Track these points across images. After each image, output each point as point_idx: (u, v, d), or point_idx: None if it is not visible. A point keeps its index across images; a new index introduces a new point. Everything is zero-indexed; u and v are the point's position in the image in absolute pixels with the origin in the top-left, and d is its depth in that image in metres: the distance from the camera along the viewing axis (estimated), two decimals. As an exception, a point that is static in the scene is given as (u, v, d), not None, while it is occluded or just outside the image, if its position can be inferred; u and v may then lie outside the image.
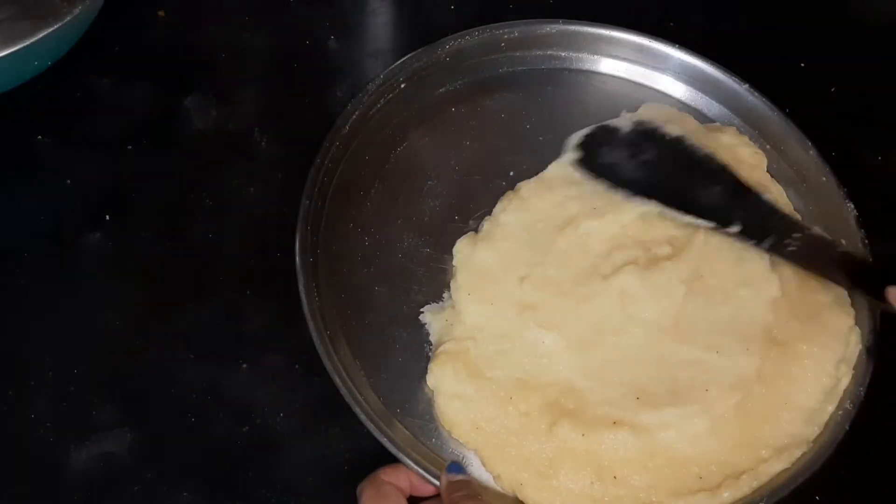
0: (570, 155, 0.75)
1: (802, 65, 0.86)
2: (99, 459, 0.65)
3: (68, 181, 0.75)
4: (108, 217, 0.74)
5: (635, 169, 0.73)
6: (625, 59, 0.82)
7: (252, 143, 0.78)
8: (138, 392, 0.68)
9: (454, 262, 0.72)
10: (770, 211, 0.72)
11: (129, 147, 0.77)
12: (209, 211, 0.75)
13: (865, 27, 0.90)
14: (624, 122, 0.76)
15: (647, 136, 0.75)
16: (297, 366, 0.69)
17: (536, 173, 0.76)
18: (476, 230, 0.73)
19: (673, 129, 0.75)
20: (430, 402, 0.67)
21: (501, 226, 0.73)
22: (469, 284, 0.70)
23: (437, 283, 0.72)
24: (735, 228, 0.70)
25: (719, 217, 0.71)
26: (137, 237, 0.74)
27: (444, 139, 0.78)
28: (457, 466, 0.63)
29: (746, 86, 0.79)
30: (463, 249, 0.72)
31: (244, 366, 0.69)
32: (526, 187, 0.74)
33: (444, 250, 0.73)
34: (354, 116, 0.76)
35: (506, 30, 0.81)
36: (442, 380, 0.67)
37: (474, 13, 0.84)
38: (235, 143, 0.78)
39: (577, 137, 0.75)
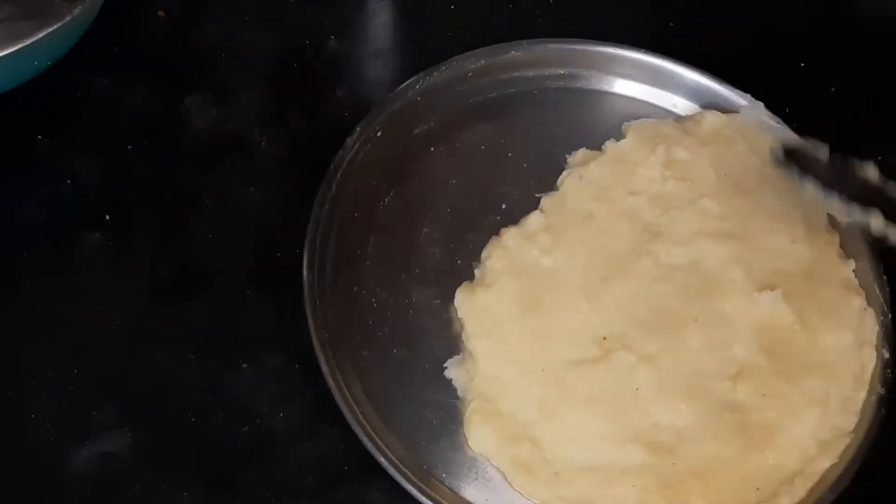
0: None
1: (802, 65, 0.86)
2: (99, 459, 0.65)
3: (68, 181, 0.75)
4: (108, 217, 0.74)
5: None
6: (620, 75, 0.80)
7: (252, 143, 0.78)
8: (138, 392, 0.68)
9: (459, 315, 0.70)
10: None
11: (129, 147, 0.77)
12: (209, 211, 0.75)
13: (865, 27, 0.90)
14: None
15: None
16: (297, 366, 0.69)
17: (528, 204, 0.74)
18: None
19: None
20: (472, 462, 0.66)
21: (490, 271, 0.71)
22: (479, 330, 0.69)
23: (454, 334, 0.69)
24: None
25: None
26: (137, 237, 0.73)
27: (428, 183, 0.75)
28: None
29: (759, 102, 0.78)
30: (463, 300, 0.70)
31: (244, 366, 0.69)
32: (507, 234, 0.72)
33: (453, 298, 0.70)
34: (338, 177, 0.72)
35: (471, 60, 0.78)
36: (483, 442, 0.66)
37: (474, 13, 0.84)
38: (235, 143, 0.78)
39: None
